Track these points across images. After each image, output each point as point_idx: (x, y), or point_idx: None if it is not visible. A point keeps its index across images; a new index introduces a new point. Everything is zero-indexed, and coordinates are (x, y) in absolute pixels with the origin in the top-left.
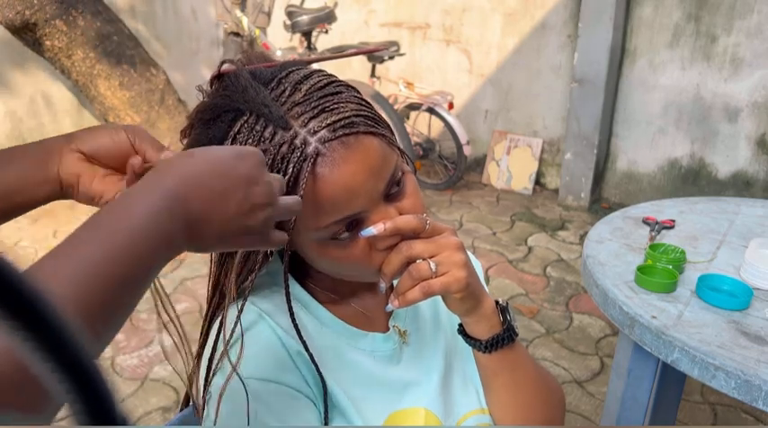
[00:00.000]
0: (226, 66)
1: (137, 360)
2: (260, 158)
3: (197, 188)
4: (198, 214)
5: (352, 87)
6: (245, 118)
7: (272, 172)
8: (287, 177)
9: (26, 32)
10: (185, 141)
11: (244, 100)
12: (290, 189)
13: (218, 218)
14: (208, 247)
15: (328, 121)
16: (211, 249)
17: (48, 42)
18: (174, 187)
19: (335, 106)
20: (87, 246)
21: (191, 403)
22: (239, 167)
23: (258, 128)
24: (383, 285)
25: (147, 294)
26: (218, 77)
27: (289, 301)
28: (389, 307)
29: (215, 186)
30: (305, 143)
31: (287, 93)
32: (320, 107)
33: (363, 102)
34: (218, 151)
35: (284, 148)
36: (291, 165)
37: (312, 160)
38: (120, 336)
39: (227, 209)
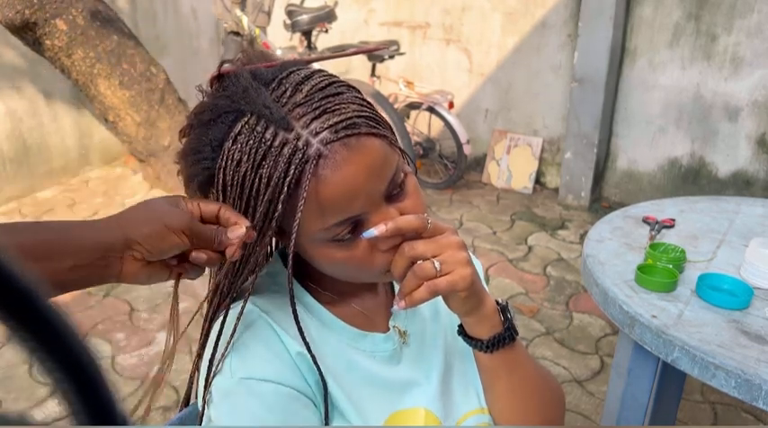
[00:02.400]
0: (226, 67)
1: (137, 359)
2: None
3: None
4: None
5: (354, 88)
6: (246, 119)
7: (272, 174)
8: (288, 179)
9: (26, 32)
10: (185, 141)
11: (245, 101)
12: (292, 190)
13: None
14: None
15: (330, 123)
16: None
17: (48, 42)
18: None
19: (337, 107)
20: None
21: (191, 403)
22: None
23: (259, 129)
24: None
25: (148, 294)
26: (218, 78)
27: (293, 303)
28: (395, 307)
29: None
30: (307, 144)
31: (288, 93)
32: (322, 108)
33: (365, 103)
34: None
35: (286, 150)
36: (293, 167)
37: (314, 162)
38: (120, 336)
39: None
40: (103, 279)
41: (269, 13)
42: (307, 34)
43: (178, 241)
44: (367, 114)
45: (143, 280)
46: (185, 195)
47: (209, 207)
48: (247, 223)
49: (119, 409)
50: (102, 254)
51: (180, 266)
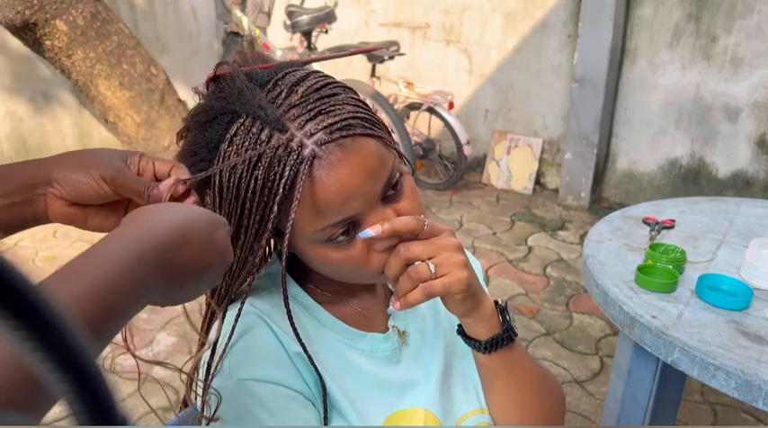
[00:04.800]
0: (222, 68)
1: (137, 360)
2: (229, 229)
3: (178, 246)
4: (175, 271)
5: (350, 88)
6: (242, 120)
7: (268, 175)
8: (283, 180)
9: (26, 32)
10: (182, 143)
11: (240, 102)
12: (287, 192)
13: (191, 278)
14: (174, 301)
15: (325, 124)
16: (174, 303)
17: (48, 42)
18: (157, 239)
19: (332, 108)
20: (58, 291)
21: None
22: (218, 237)
23: (254, 130)
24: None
25: None
26: (214, 79)
27: (287, 303)
28: (391, 309)
29: (195, 250)
30: (301, 146)
31: (283, 95)
32: (317, 109)
33: (360, 104)
34: (198, 217)
35: (280, 151)
36: (288, 168)
37: (309, 163)
38: (120, 336)
39: (199, 271)
40: (35, 218)
41: (269, 14)
42: (307, 35)
43: (97, 188)
44: (362, 115)
45: (77, 223)
46: (143, 153)
47: (163, 166)
48: (184, 177)
49: (118, 409)
50: (28, 192)
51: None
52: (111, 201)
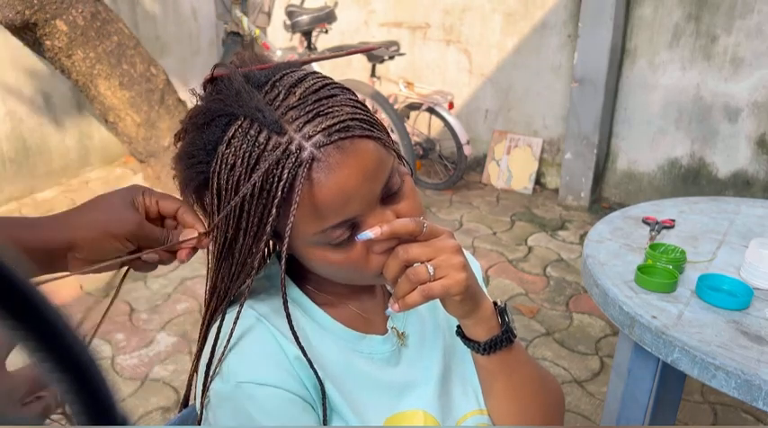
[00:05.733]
0: (219, 70)
1: (137, 360)
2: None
3: None
4: None
5: (348, 89)
6: (240, 122)
7: (266, 178)
8: (282, 183)
9: (26, 32)
10: (180, 145)
11: (237, 104)
12: (286, 195)
13: None
14: None
15: (323, 126)
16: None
17: (48, 42)
18: None
19: (330, 110)
20: None
21: (190, 404)
22: None
23: (252, 132)
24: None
25: (148, 295)
26: (212, 81)
27: (286, 306)
28: (389, 311)
29: None
30: (300, 148)
31: (281, 96)
32: (315, 111)
33: (359, 105)
34: None
35: (279, 153)
36: (287, 171)
37: (307, 165)
38: (120, 336)
39: None
40: (51, 272)
41: (269, 14)
42: (307, 35)
43: (120, 247)
44: (361, 116)
45: (93, 272)
46: (147, 187)
47: (168, 205)
48: (201, 229)
49: (118, 409)
50: (44, 255)
51: (132, 261)
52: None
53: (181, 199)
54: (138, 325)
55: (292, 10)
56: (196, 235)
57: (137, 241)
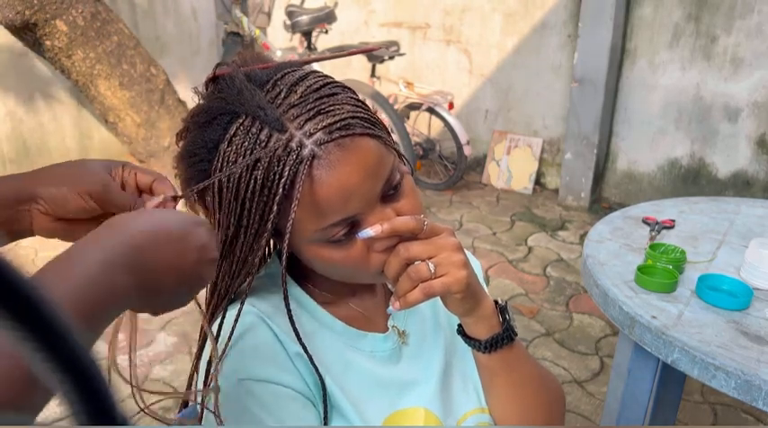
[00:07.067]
0: (221, 69)
1: (137, 360)
2: (209, 226)
3: (152, 246)
4: (151, 273)
5: (349, 88)
6: (241, 121)
7: (267, 175)
8: (283, 180)
9: (26, 32)
10: (181, 144)
11: (239, 102)
12: (287, 192)
13: (170, 280)
14: (156, 306)
15: (324, 123)
16: (159, 308)
17: (48, 42)
18: (129, 242)
19: (331, 108)
20: None
21: (190, 403)
22: (194, 234)
23: (254, 130)
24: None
25: None
26: (214, 80)
27: (287, 303)
28: (390, 309)
29: (169, 249)
30: (301, 145)
31: (282, 95)
32: (316, 109)
33: (360, 104)
34: (173, 217)
35: (280, 151)
36: (287, 168)
37: (308, 163)
38: (119, 336)
39: (178, 272)
40: (20, 233)
41: (269, 14)
42: (307, 35)
43: (83, 205)
44: (362, 115)
45: (63, 237)
46: (129, 162)
47: (145, 177)
48: (170, 194)
49: (118, 409)
50: (12, 208)
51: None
52: (97, 214)
53: (158, 172)
54: (138, 325)
55: (292, 10)
56: (161, 198)
57: (102, 204)
